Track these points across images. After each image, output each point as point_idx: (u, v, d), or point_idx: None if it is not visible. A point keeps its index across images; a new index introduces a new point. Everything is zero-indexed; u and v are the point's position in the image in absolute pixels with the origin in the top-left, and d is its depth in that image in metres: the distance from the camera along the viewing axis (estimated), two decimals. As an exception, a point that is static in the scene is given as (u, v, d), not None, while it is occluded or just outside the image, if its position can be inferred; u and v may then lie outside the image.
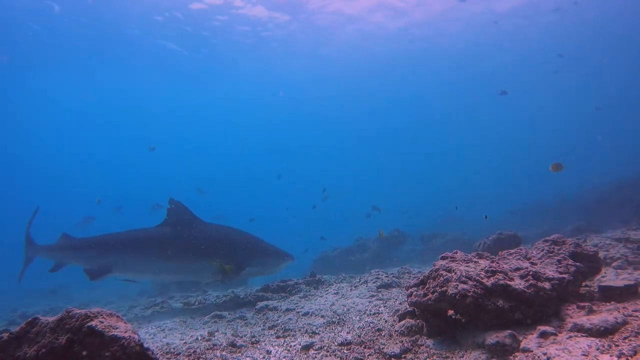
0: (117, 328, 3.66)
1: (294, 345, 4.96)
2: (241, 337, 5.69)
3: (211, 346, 5.19)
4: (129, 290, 16.54)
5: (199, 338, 5.92)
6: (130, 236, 10.04)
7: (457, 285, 4.33)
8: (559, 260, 5.02)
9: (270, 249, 9.96)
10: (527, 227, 16.51)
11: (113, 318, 3.85)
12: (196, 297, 11.32)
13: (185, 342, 5.68)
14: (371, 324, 5.47)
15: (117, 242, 9.82)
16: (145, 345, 3.65)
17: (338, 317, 6.14)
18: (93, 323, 3.62)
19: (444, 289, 4.44)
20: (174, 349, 5.24)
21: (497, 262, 4.93)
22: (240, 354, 4.83)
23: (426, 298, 4.59)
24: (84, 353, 3.52)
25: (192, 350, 4.99)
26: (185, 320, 8.04)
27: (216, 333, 6.23)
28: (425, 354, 4.20)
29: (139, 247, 9.91)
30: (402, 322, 5.05)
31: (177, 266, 9.81)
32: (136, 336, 3.65)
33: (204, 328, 6.95)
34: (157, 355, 3.97)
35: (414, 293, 4.86)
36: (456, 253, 5.35)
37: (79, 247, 10.16)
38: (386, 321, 5.56)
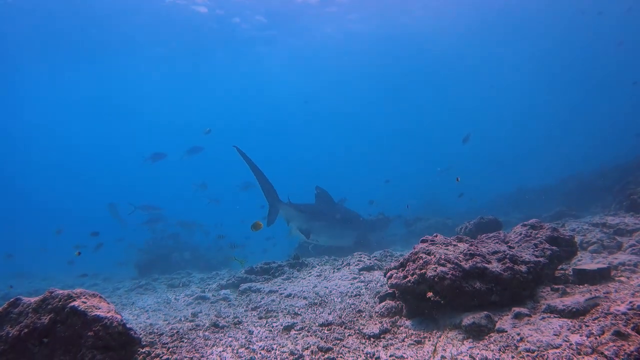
0: (99, 308, 3.70)
1: (276, 326, 5.03)
2: (224, 317, 5.75)
3: (194, 327, 5.24)
4: (115, 274, 16.62)
5: (182, 319, 5.98)
6: (316, 209, 13.65)
7: (436, 267, 4.42)
8: (535, 244, 5.14)
9: (376, 222, 15.37)
10: (510, 213, 16.72)
11: (95, 299, 3.88)
12: (180, 278, 11.36)
13: (168, 323, 5.74)
14: (352, 305, 5.56)
15: (314, 211, 13.47)
16: (128, 326, 3.69)
17: (320, 299, 6.22)
18: (75, 303, 3.66)
19: (423, 271, 4.53)
20: (157, 329, 5.28)
21: (476, 246, 5.02)
22: (222, 334, 4.88)
23: (405, 280, 4.67)
24: (67, 333, 3.56)
25: (175, 331, 5.04)
26: (169, 301, 8.09)
27: (199, 314, 6.30)
28: (404, 334, 4.29)
29: (322, 217, 13.40)
30: (383, 303, 5.15)
31: (338, 233, 13.64)
32: (119, 316, 3.70)
33: (187, 309, 7.01)
34: (140, 336, 4.02)
35: (394, 275, 4.94)
36: (436, 236, 5.44)
37: (302, 211, 13.16)
38: (367, 303, 5.65)
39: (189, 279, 11.28)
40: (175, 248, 17.79)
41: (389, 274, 5.09)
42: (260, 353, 4.13)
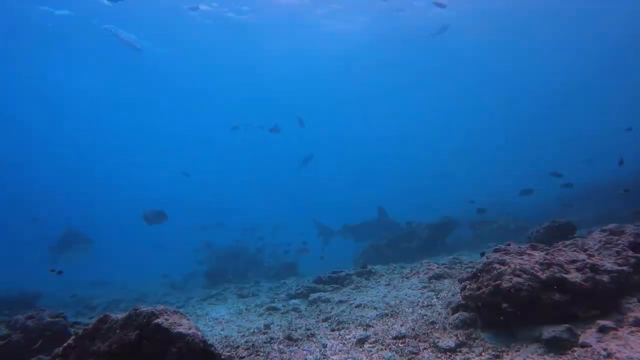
0: (181, 325, 3.86)
1: (349, 339, 5.06)
2: (296, 329, 5.84)
3: (268, 339, 5.36)
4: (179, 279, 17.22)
5: (256, 331, 6.12)
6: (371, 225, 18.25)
7: (512, 278, 4.32)
8: (617, 252, 4.90)
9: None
10: (583, 210, 15.98)
11: (177, 315, 4.05)
12: (249, 288, 11.63)
13: (243, 335, 5.89)
14: (424, 317, 5.51)
15: (365, 227, 18.30)
16: (209, 342, 3.82)
17: (391, 309, 6.20)
18: (159, 320, 3.84)
19: (497, 282, 4.43)
20: (232, 342, 5.45)
21: (552, 254, 4.86)
22: (297, 347, 4.97)
23: (480, 291, 4.59)
24: (152, 349, 3.73)
25: (250, 344, 5.17)
26: (241, 312, 8.30)
27: (272, 325, 6.42)
28: (481, 348, 4.21)
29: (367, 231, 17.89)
30: (456, 314, 5.07)
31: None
32: (200, 333, 3.85)
33: (259, 320, 7.16)
34: (219, 350, 4.15)
35: (467, 287, 4.86)
36: (509, 245, 5.31)
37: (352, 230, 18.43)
38: (439, 313, 5.58)
39: (258, 288, 11.52)
40: (242, 256, 18.15)
41: (462, 285, 5.01)
42: (335, 367, 4.18)
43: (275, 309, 7.85)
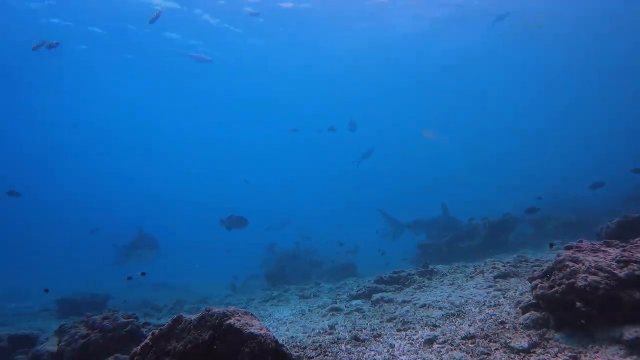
0: (252, 326, 3.94)
1: (416, 339, 5.02)
2: (362, 330, 5.85)
3: (335, 340, 5.39)
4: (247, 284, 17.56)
5: (321, 331, 6.17)
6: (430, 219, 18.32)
7: (587, 276, 4.16)
8: (702, 247, 4.64)
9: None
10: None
11: (247, 316, 4.14)
12: (310, 289, 11.73)
13: (308, 336, 5.95)
14: (493, 316, 5.39)
15: (429, 223, 18.21)
16: (280, 342, 3.88)
17: (456, 309, 6.10)
18: (231, 321, 3.94)
19: (571, 280, 4.28)
20: (299, 342, 5.52)
21: (630, 251, 4.64)
22: (364, 348, 4.98)
23: (552, 290, 4.45)
24: (225, 349, 3.84)
25: (317, 344, 5.22)
26: (304, 313, 8.39)
27: (336, 326, 6.45)
28: (556, 349, 4.08)
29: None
30: (526, 314, 4.93)
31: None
32: (270, 333, 3.91)
33: (322, 321, 7.21)
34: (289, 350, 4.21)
35: (539, 285, 4.73)
36: (581, 242, 5.11)
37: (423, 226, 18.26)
38: (508, 313, 5.44)
39: (318, 289, 11.59)
40: (301, 257, 18.28)
41: (533, 283, 4.87)
42: (405, 368, 4.16)
43: (338, 309, 7.89)
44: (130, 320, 6.25)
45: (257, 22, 27.83)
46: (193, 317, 4.22)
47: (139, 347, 4.22)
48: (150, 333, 4.37)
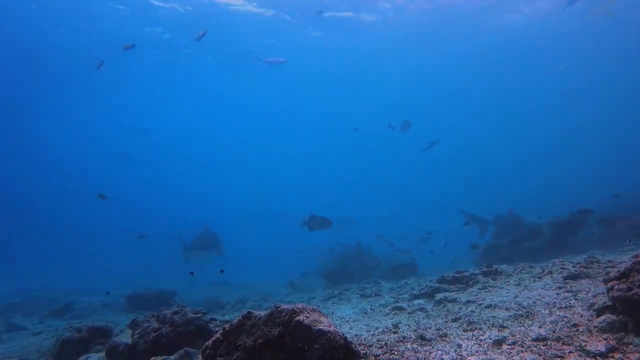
0: (321, 322, 4.00)
1: (484, 340, 4.93)
2: (427, 329, 5.80)
3: (400, 339, 5.38)
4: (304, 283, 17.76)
5: (385, 330, 6.17)
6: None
7: (669, 278, 3.97)
8: None
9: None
10: None
11: (316, 313, 4.20)
12: (370, 288, 11.72)
13: (373, 334, 5.96)
14: (564, 318, 5.21)
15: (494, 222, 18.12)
16: (348, 339, 3.91)
17: (525, 310, 5.94)
18: (300, 318, 4.00)
19: (652, 282, 4.09)
20: (364, 340, 5.54)
21: None
22: (431, 347, 4.93)
23: (631, 292, 4.26)
24: (294, 345, 3.91)
25: (383, 343, 5.23)
26: (366, 311, 8.40)
27: (400, 325, 6.43)
28: (637, 354, 3.90)
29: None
30: (602, 317, 4.74)
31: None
32: (339, 330, 3.95)
33: (386, 320, 7.20)
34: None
35: (615, 287, 4.54)
36: (661, 242, 4.87)
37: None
38: (581, 315, 5.24)
39: (379, 288, 11.56)
40: (361, 256, 18.20)
41: (608, 285, 4.68)
42: (475, 368, 4.10)
43: (400, 308, 7.85)
44: (198, 315, 6.46)
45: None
46: (262, 313, 4.32)
47: (210, 341, 4.36)
48: (221, 328, 4.52)
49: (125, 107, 40.21)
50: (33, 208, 54.78)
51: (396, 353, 4.81)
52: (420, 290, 9.04)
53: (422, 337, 5.31)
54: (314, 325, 3.89)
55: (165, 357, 5.49)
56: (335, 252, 18.54)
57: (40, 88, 34.33)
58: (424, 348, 4.93)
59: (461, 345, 4.86)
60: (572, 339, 4.51)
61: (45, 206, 55.09)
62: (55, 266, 35.01)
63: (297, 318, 3.99)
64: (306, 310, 4.15)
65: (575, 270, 7.64)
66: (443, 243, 15.77)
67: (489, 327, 5.48)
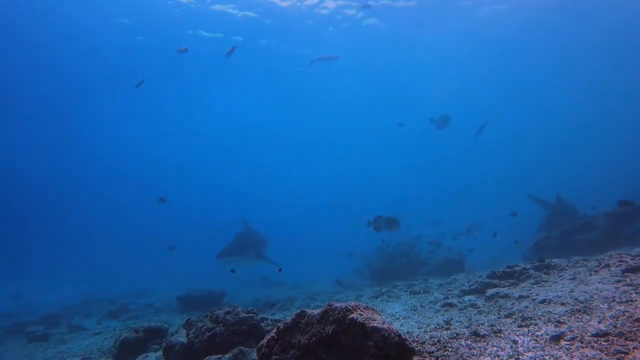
0: (375, 320, 4.01)
1: (541, 335, 4.82)
2: (480, 325, 5.71)
3: (454, 335, 5.32)
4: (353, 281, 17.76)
5: (437, 327, 6.11)
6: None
7: None
8: None
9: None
10: None
11: (369, 311, 4.21)
12: (418, 285, 11.62)
13: (425, 331, 5.92)
14: (625, 313, 5.03)
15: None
16: (403, 336, 3.90)
17: (582, 305, 5.76)
18: (353, 315, 4.02)
19: None
20: (416, 337, 5.51)
21: None
22: (485, 344, 4.86)
23: (698, 285, 4.08)
24: (349, 342, 3.93)
25: (436, 339, 5.19)
26: (416, 308, 8.34)
27: (452, 322, 6.36)
28: None
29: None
30: (666, 310, 4.56)
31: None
32: (394, 327, 3.95)
33: (436, 316, 7.14)
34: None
35: (680, 279, 4.36)
36: None
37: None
38: (644, 310, 5.06)
39: (427, 285, 11.44)
40: (406, 254, 18.00)
41: (672, 278, 4.50)
42: (533, 365, 4.02)
43: (451, 305, 7.76)
44: (250, 315, 6.57)
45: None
46: (315, 311, 4.36)
47: (265, 340, 4.44)
48: (275, 327, 4.59)
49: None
50: (92, 215, 57.00)
51: (450, 350, 4.77)
52: (470, 286, 8.91)
53: (475, 334, 5.23)
54: (368, 323, 3.91)
55: (219, 356, 5.60)
56: (381, 250, 18.45)
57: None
58: (479, 344, 4.86)
59: (517, 341, 4.77)
60: (635, 334, 4.35)
61: (103, 212, 57.30)
62: (113, 269, 36.35)
63: (350, 316, 4.01)
64: (359, 308, 4.17)
65: (635, 263, 7.35)
66: (493, 233, 15.35)
67: (544, 322, 5.35)
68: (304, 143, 57.72)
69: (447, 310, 7.54)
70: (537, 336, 4.83)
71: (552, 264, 8.97)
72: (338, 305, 4.19)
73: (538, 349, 4.43)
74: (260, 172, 64.32)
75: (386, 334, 3.79)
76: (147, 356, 6.81)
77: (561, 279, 7.78)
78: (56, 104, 36.84)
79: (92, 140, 45.96)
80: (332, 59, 23.73)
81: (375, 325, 3.87)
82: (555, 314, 5.61)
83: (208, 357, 5.61)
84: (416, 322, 6.91)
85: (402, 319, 7.47)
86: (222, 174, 62.18)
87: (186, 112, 44.03)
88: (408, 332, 5.93)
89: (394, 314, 8.02)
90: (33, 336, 11.83)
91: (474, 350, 4.65)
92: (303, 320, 4.38)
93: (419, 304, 8.68)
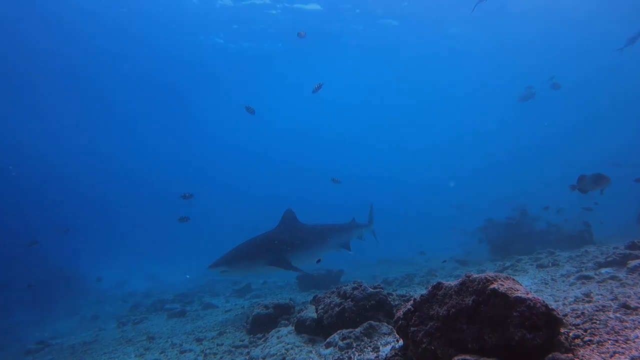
0: (518, 290, 3.85)
1: None
2: (628, 297, 5.32)
3: (599, 308, 4.99)
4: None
5: (577, 299, 5.79)
6: None
7: None
8: None
9: None
10: None
11: (510, 281, 4.06)
12: (545, 258, 11.04)
13: (564, 304, 5.64)
14: None
15: None
16: (550, 306, 3.72)
17: None
18: (494, 285, 3.89)
19: None
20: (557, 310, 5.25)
21: None
22: (638, 316, 4.52)
23: None
24: (490, 313, 3.82)
25: (579, 312, 4.89)
26: (547, 282, 7.94)
27: (592, 294, 5.98)
28: None
29: None
30: None
31: None
32: (539, 297, 3.77)
33: (572, 289, 6.76)
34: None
35: None
36: None
37: None
38: None
39: (555, 258, 10.82)
40: (523, 227, 17.08)
41: None
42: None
43: (588, 277, 7.29)
44: (377, 290, 6.62)
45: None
46: (452, 283, 4.29)
47: (401, 312, 4.45)
48: (411, 299, 4.58)
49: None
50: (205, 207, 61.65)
51: (598, 322, 4.47)
52: (606, 259, 8.29)
53: (625, 306, 4.87)
54: (511, 293, 3.77)
55: (350, 330, 5.72)
56: (497, 224, 17.67)
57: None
58: (631, 317, 4.52)
59: (677, 313, 4.38)
60: None
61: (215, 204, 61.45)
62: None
63: (491, 286, 3.89)
64: (500, 278, 4.04)
65: None
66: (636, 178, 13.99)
67: None
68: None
69: (583, 283, 7.10)
70: (701, 308, 4.40)
71: None
72: (477, 276, 4.09)
73: (703, 322, 4.04)
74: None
75: (532, 303, 3.63)
76: (279, 330, 7.12)
77: None
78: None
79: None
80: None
81: (519, 295, 3.72)
82: None
83: (339, 330, 5.76)
84: (551, 295, 6.59)
85: (534, 292, 7.13)
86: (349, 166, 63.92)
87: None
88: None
89: (528, 288, 7.71)
90: (172, 312, 12.92)
91: (627, 323, 4.33)
92: (440, 292, 4.33)
93: (549, 277, 8.25)
